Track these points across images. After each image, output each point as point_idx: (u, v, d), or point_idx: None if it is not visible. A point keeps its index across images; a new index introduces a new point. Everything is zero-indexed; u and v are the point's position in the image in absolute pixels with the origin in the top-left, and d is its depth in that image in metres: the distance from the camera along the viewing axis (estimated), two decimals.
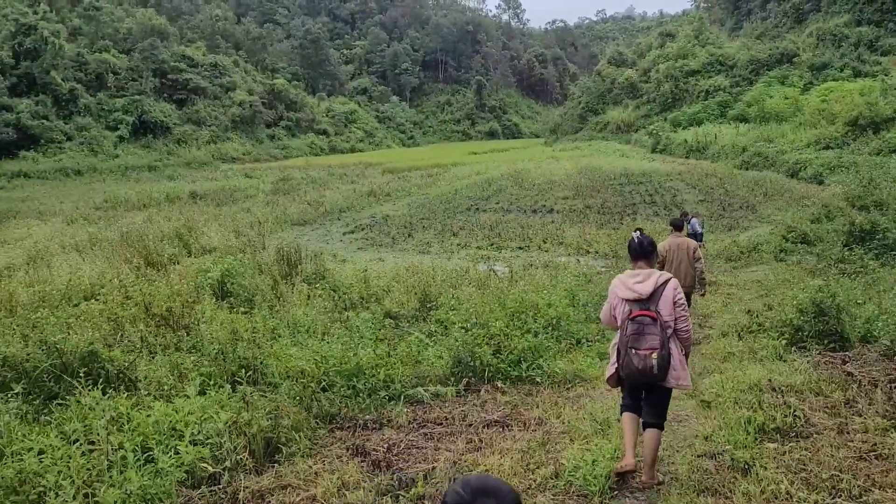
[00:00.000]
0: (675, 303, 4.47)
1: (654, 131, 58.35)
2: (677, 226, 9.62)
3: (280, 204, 31.00)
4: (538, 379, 6.89)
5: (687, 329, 4.54)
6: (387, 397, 6.43)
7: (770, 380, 5.86)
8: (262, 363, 6.59)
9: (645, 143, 58.93)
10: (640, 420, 4.52)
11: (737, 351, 7.45)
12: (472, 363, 6.94)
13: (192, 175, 52.87)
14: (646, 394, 4.55)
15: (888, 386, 5.66)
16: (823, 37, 64.17)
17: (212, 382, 6.06)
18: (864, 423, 4.86)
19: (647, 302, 4.43)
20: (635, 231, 4.93)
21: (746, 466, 4.28)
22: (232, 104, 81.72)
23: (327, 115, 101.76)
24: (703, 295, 9.71)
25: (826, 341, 7.23)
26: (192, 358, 6.84)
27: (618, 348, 4.52)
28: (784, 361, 6.70)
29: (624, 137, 68.92)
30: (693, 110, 63.29)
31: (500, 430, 5.61)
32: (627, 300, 4.50)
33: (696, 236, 15.15)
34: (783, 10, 78.11)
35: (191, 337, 7.70)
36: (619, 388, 4.81)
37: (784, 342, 7.13)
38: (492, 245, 19.35)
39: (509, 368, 7.04)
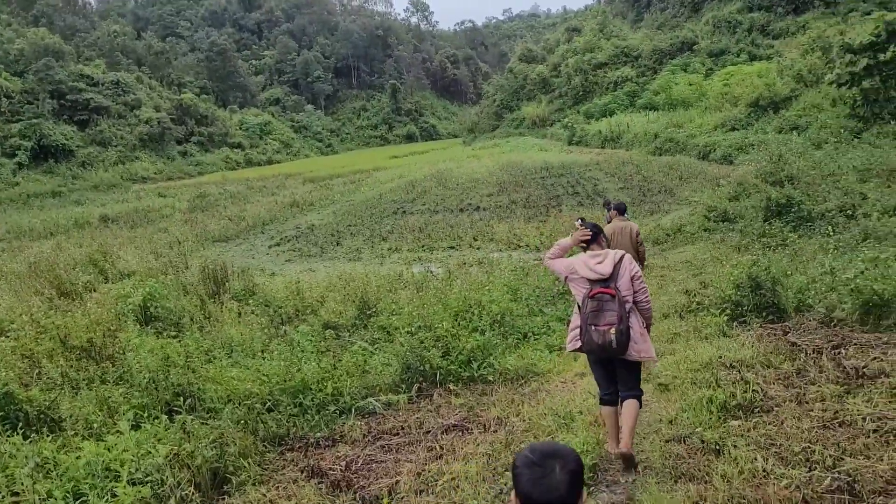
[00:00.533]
0: (632, 277, 4.71)
1: (569, 124, 59.45)
2: (620, 210, 9.83)
3: (199, 221, 29.96)
4: (490, 378, 6.75)
5: (647, 300, 4.82)
6: (337, 411, 6.17)
7: (720, 357, 5.90)
8: (199, 388, 6.22)
9: (561, 136, 59.96)
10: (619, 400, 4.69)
11: (682, 331, 7.51)
12: (421, 367, 6.75)
13: (102, 198, 50.58)
14: (617, 370, 4.72)
15: (832, 352, 5.77)
16: (719, 24, 66.83)
17: (146, 414, 5.66)
18: (820, 391, 4.92)
19: (608, 280, 4.63)
20: (577, 220, 5.25)
21: (717, 447, 4.25)
22: (138, 122, 78.74)
23: (241, 128, 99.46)
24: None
25: (765, 314, 7.37)
26: (120, 390, 6.41)
27: (581, 325, 4.67)
28: (729, 337, 6.78)
29: (540, 132, 70.03)
30: (604, 101, 64.88)
31: (460, 434, 5.44)
32: (589, 279, 4.68)
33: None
34: (680, 1, 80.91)
35: (117, 368, 7.24)
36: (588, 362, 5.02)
37: (726, 318, 7.22)
38: (423, 247, 19.18)
39: (460, 369, 6.89)
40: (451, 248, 18.56)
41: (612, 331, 4.45)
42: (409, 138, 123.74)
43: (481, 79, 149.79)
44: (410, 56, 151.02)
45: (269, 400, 6.17)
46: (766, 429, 4.41)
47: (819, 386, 5.01)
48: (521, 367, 6.90)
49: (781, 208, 13.74)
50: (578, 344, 4.73)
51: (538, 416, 5.44)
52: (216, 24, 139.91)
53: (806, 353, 5.80)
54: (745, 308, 7.44)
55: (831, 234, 12.09)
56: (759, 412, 4.73)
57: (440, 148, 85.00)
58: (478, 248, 17.79)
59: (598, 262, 4.70)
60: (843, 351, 5.73)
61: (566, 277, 4.86)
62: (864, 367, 5.18)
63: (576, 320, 4.82)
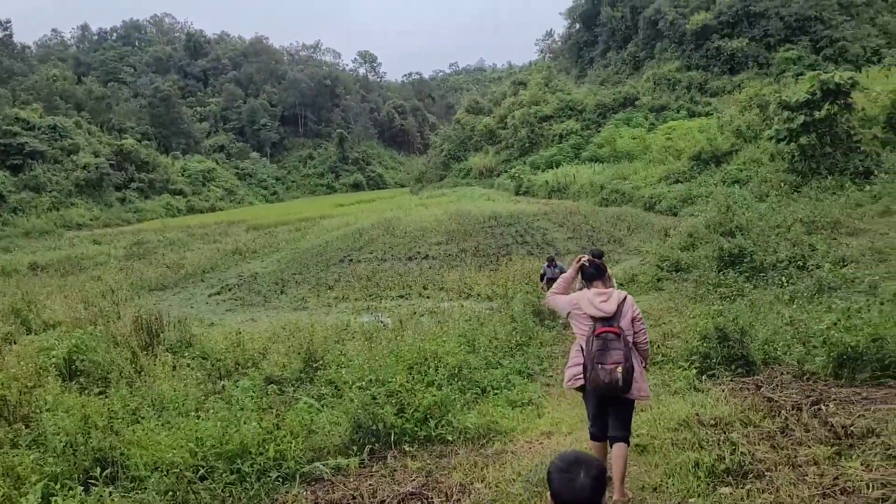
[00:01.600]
0: (633, 318, 4.88)
1: (516, 174, 60.16)
2: (596, 255, 9.66)
3: (135, 269, 28.71)
4: (450, 437, 6.21)
5: (646, 342, 5.04)
6: (279, 478, 5.52)
7: (697, 414, 5.50)
8: (122, 454, 5.50)
9: (508, 186, 60.51)
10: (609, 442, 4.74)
11: (651, 385, 7.12)
12: (373, 426, 6.17)
13: (32, 245, 48.31)
14: (610, 408, 4.78)
15: (812, 409, 5.45)
16: (659, 81, 69.36)
17: (58, 485, 4.92)
18: (810, 452, 4.56)
19: (612, 319, 4.76)
20: (585, 258, 5.33)
21: None
22: (75, 167, 76.37)
23: (183, 175, 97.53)
24: None
25: (733, 367, 7.07)
26: (32, 456, 5.63)
27: (584, 364, 4.77)
28: (700, 392, 6.43)
29: (487, 182, 70.64)
30: (549, 153, 65.98)
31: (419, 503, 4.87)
32: (594, 318, 4.80)
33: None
34: (622, 59, 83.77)
35: (31, 429, 6.43)
36: (583, 399, 5.11)
37: (695, 371, 6.88)
38: (371, 296, 18.58)
39: (416, 428, 6.33)
40: (401, 297, 18.02)
41: (619, 369, 4.58)
42: (356, 187, 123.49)
43: (428, 129, 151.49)
44: (358, 105, 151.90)
45: (203, 466, 5.49)
46: (762, 497, 4.00)
47: (808, 447, 4.65)
48: (482, 426, 6.38)
49: (734, 258, 13.73)
50: (581, 382, 4.84)
51: (506, 481, 4.93)
52: (161, 71, 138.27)
53: (785, 410, 5.46)
54: (714, 360, 7.13)
55: (784, 284, 12.06)
56: (750, 477, 4.33)
57: (387, 197, 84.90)
58: (428, 297, 17.29)
59: (602, 301, 4.83)
60: (822, 407, 5.41)
61: (568, 313, 5.00)
62: (850, 426, 4.85)
63: (577, 358, 4.90)
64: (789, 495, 3.95)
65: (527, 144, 73.06)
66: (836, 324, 6.42)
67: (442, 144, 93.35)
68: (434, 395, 6.60)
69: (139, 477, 5.32)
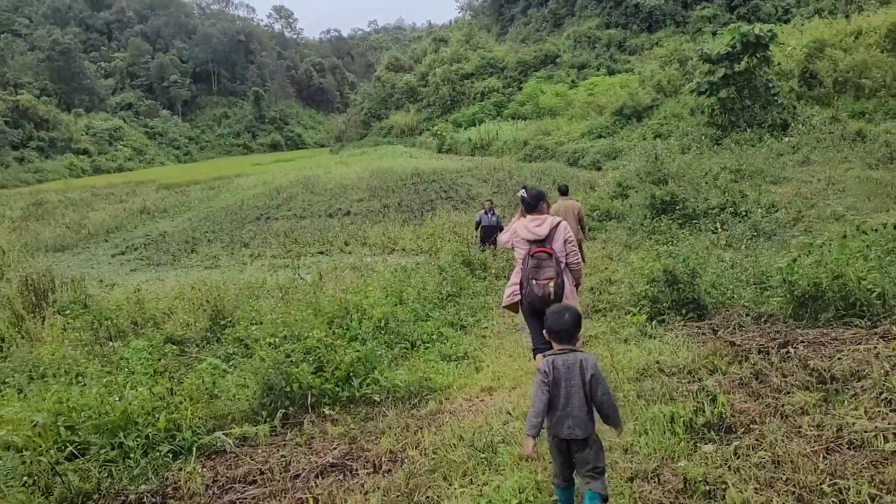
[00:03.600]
0: (565, 241, 5.33)
1: (439, 132, 59.15)
2: (563, 191, 11.01)
3: (31, 230, 26.48)
4: (376, 397, 5.41)
5: (577, 262, 5.46)
6: (171, 453, 4.60)
7: (657, 362, 4.88)
8: None
9: (430, 144, 59.50)
10: None
11: (599, 333, 6.50)
12: (287, 388, 5.30)
13: None
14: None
15: (781, 352, 4.91)
16: (580, 39, 69.24)
17: None
18: (796, 400, 3.97)
19: (544, 241, 5.25)
20: (521, 188, 5.82)
21: (708, 487, 3.14)
22: None
23: (87, 133, 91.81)
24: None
25: (684, 311, 6.52)
26: None
27: (521, 280, 5.28)
28: (653, 338, 5.83)
29: (409, 140, 69.40)
30: (472, 111, 65.23)
31: (341, 476, 4.07)
32: (528, 240, 5.30)
33: (500, 228, 14.43)
34: (542, 16, 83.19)
35: None
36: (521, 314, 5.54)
37: (645, 317, 6.29)
38: (289, 252, 17.45)
39: (337, 389, 5.49)
40: (321, 253, 16.99)
41: (551, 284, 5.11)
42: (274, 147, 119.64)
43: (348, 88, 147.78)
44: (274, 63, 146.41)
45: (76, 441, 4.52)
46: (757, 455, 3.37)
47: (790, 394, 4.08)
48: (413, 383, 5.59)
49: (666, 206, 13.36)
50: (517, 297, 5.32)
51: (445, 446, 4.17)
52: (59, 23, 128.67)
53: (753, 355, 4.89)
54: (664, 305, 6.56)
55: (719, 230, 11.74)
56: (735, 432, 3.71)
57: (307, 156, 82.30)
58: (350, 253, 16.34)
59: (536, 226, 5.31)
60: (791, 350, 4.87)
61: (512, 245, 5.44)
62: (830, 369, 4.31)
63: (515, 277, 5.40)
64: (786, 452, 3.35)
65: (448, 102, 71.99)
66: (795, 261, 5.91)
67: (362, 103, 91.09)
68: (357, 351, 5.76)
69: None
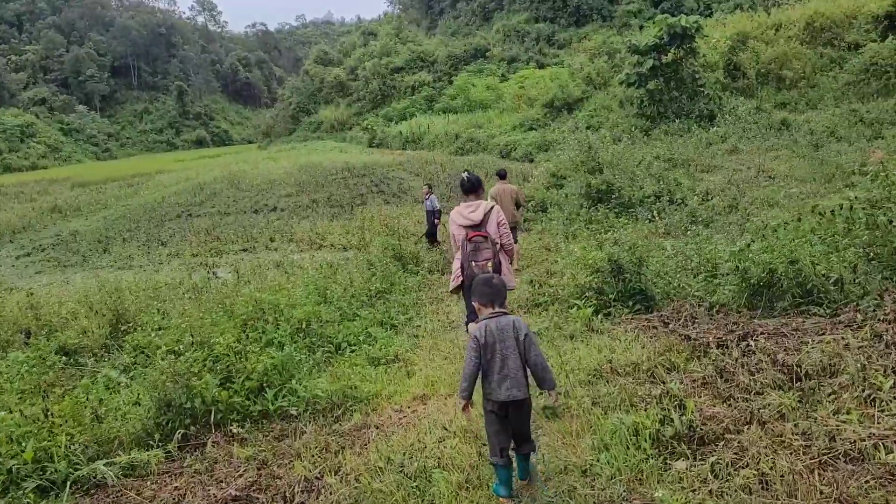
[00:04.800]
0: (498, 223, 5.65)
1: (369, 126, 58.12)
2: (502, 175, 11.73)
3: None
4: (293, 410, 4.72)
5: (510, 243, 5.78)
6: (39, 489, 3.83)
7: (610, 361, 4.36)
8: None
9: (361, 139, 58.42)
10: None
11: (541, 329, 5.97)
12: (187, 404, 4.56)
13: None
14: None
15: (741, 345, 4.46)
16: (509, 33, 69.39)
17: None
18: (771, 403, 3.50)
19: (479, 225, 5.55)
20: (464, 172, 6.10)
21: None
22: None
23: None
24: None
25: (631, 303, 6.06)
26: None
27: (461, 263, 5.56)
28: (600, 333, 5.33)
29: (339, 136, 68.09)
30: (402, 105, 64.41)
31: None
32: (464, 226, 5.60)
33: (435, 212, 13.90)
34: (471, 10, 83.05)
35: None
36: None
37: (590, 310, 5.79)
38: (210, 250, 16.44)
39: (248, 402, 4.78)
40: (244, 250, 16.06)
41: (489, 265, 5.41)
42: (199, 143, 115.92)
43: (276, 83, 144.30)
44: (198, 57, 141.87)
45: None
46: (741, 475, 2.86)
47: (763, 395, 3.62)
48: (336, 392, 4.92)
49: (602, 195, 13.04)
50: (461, 279, 5.58)
51: (370, 471, 3.54)
52: None
53: (711, 350, 4.44)
54: (609, 297, 6.08)
55: (655, 218, 11.47)
56: (709, 444, 3.21)
57: (233, 153, 79.75)
58: (275, 250, 15.47)
59: (471, 212, 5.61)
60: (752, 343, 4.44)
61: (454, 235, 5.73)
62: (800, 364, 3.88)
63: (456, 263, 5.67)
64: (774, 468, 2.86)
65: (379, 97, 70.93)
66: (749, 246, 5.51)
67: (290, 97, 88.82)
68: (272, 358, 5.05)
69: None
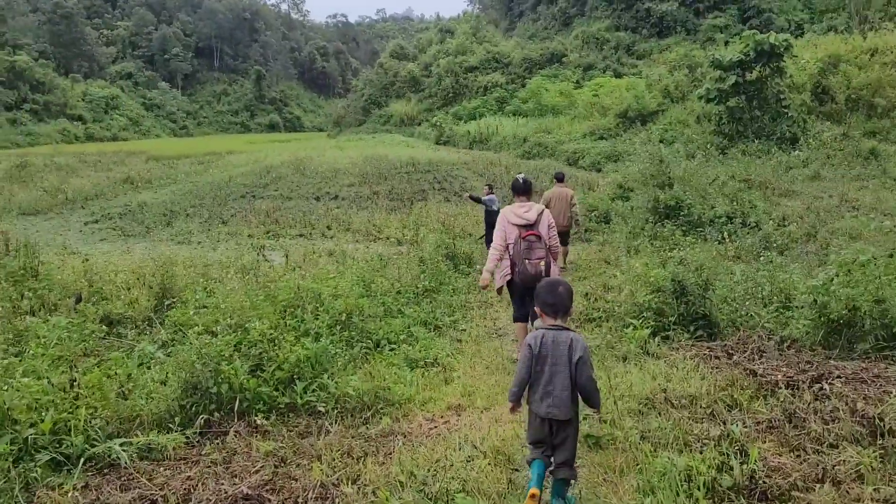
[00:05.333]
0: (549, 225, 5.91)
1: (438, 123, 58.05)
2: (559, 178, 11.72)
3: (6, 192, 25.44)
4: (321, 407, 4.47)
5: (557, 245, 6.05)
6: (53, 462, 3.67)
7: (664, 390, 3.97)
8: None
9: (428, 135, 58.42)
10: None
11: (593, 346, 5.58)
12: (214, 389, 4.36)
13: None
14: (530, 299, 5.33)
15: (813, 388, 4.00)
16: (588, 40, 68.30)
17: None
18: (847, 458, 3.06)
19: (533, 225, 5.79)
20: (519, 175, 6.38)
21: None
22: None
23: (83, 100, 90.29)
24: (576, 234, 12.05)
25: (692, 328, 5.61)
26: None
27: (512, 260, 5.81)
28: (657, 358, 4.91)
29: (408, 130, 68.29)
30: (473, 105, 64.17)
31: None
32: (517, 225, 5.83)
33: (496, 213, 13.57)
34: (552, 14, 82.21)
35: None
36: (506, 296, 6.37)
37: (648, 332, 5.38)
38: (268, 233, 16.50)
39: (276, 393, 4.55)
40: (301, 235, 16.04)
41: (542, 263, 5.69)
42: (272, 128, 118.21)
43: (351, 74, 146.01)
44: (278, 43, 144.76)
45: None
46: None
47: (838, 449, 3.19)
48: (367, 392, 4.66)
49: (670, 211, 12.45)
50: (510, 277, 5.87)
51: (390, 484, 3.25)
52: None
53: (779, 389, 3.99)
54: (669, 319, 5.65)
55: (725, 240, 10.88)
56: (772, 501, 2.81)
57: (303, 139, 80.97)
58: (331, 238, 15.40)
59: (525, 212, 5.84)
60: (826, 387, 3.98)
61: (506, 234, 5.89)
62: (882, 417, 3.43)
63: (505, 261, 5.90)
64: None
65: (450, 94, 70.86)
66: (832, 280, 5.01)
67: (363, 89, 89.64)
68: (307, 349, 4.82)
69: None
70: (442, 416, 4.33)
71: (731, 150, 25.28)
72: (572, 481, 3.26)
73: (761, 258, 9.31)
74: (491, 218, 12.89)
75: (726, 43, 48.94)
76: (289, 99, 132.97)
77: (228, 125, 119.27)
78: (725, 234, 11.05)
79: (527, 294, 5.59)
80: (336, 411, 4.43)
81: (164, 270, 7.94)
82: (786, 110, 26.23)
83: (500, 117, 54.96)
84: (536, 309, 3.48)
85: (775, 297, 6.08)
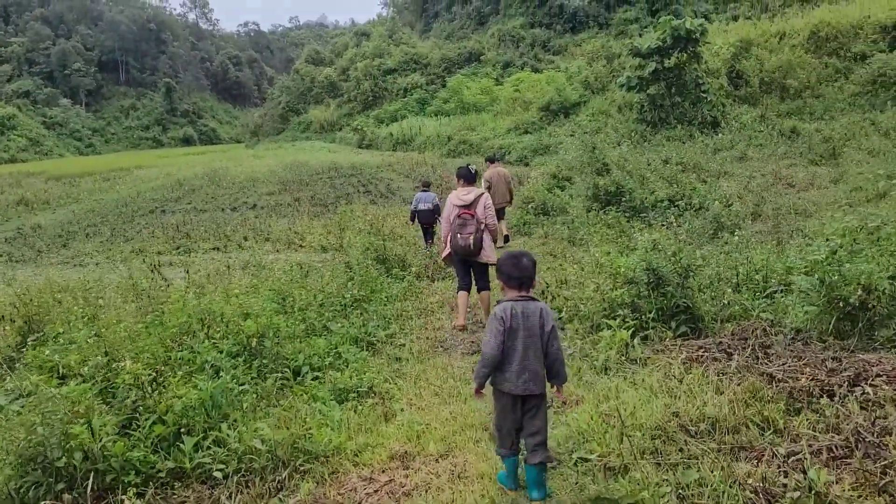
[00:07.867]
0: (485, 207, 6.79)
1: (359, 127, 56.89)
2: (492, 159, 12.49)
3: None
4: (218, 472, 3.32)
5: (493, 223, 6.86)
6: None
7: (677, 414, 3.03)
8: None
9: (350, 140, 57.09)
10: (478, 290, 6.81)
11: (564, 356, 4.61)
12: (60, 460, 3.16)
13: None
14: (472, 269, 6.88)
15: (854, 391, 3.15)
16: (504, 38, 68.33)
17: None
18: None
19: (469, 206, 6.73)
20: (469, 165, 7.35)
21: None
22: None
23: None
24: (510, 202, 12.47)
25: (673, 324, 4.73)
26: None
27: (448, 235, 6.83)
28: (642, 365, 3.98)
29: (329, 136, 66.75)
30: (394, 107, 63.24)
31: None
32: (457, 206, 6.81)
33: (431, 211, 12.52)
34: (467, 13, 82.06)
35: None
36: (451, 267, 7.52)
37: (629, 332, 4.46)
38: (178, 248, 15.03)
39: (154, 457, 3.38)
40: (215, 249, 14.65)
41: (471, 238, 6.57)
42: (187, 142, 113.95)
43: (267, 83, 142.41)
44: (188, 54, 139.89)
45: None
46: None
47: None
48: (282, 444, 3.52)
49: (611, 197, 11.74)
50: (449, 249, 6.82)
51: None
52: None
53: (812, 397, 3.12)
54: (647, 315, 4.76)
55: (673, 223, 10.18)
56: None
57: (220, 151, 77.99)
58: (247, 250, 14.06)
59: (465, 194, 6.80)
60: (868, 391, 3.13)
61: (449, 216, 6.81)
62: None
63: (445, 233, 6.96)
64: None
65: (370, 98, 69.62)
66: (835, 253, 4.20)
67: (280, 96, 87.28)
68: (199, 391, 3.66)
69: None
70: (384, 471, 3.24)
71: (654, 136, 25.12)
72: (548, 465, 3.11)
73: (715, 240, 8.66)
74: (424, 217, 11.86)
75: (640, 35, 49.57)
76: (202, 111, 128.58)
77: (139, 141, 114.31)
78: (672, 217, 10.37)
79: (464, 264, 6.74)
80: (239, 475, 3.29)
81: (34, 299, 6.56)
82: (705, 95, 26.25)
83: (422, 118, 54.15)
84: (499, 281, 3.36)
85: (752, 280, 5.30)
